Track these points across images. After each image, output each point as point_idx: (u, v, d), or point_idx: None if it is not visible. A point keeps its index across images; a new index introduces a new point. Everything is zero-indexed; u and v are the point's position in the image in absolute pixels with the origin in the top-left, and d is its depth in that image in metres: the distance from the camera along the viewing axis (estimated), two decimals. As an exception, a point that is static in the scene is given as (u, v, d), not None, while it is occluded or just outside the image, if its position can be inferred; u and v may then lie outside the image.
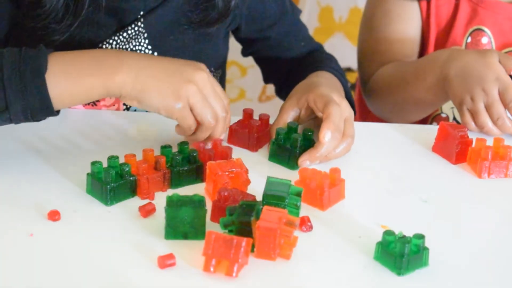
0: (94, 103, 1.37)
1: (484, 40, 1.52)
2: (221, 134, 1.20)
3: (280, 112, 1.29)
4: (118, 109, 1.39)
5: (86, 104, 1.35)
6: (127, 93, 1.14)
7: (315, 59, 1.47)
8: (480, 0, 1.54)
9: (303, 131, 1.23)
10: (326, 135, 1.20)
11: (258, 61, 1.56)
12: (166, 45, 1.37)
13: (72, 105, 1.16)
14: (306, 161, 1.21)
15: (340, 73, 1.43)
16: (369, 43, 1.60)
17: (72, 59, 1.15)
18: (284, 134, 1.23)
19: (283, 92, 1.50)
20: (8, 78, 1.11)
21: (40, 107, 1.12)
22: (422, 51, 1.59)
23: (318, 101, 1.24)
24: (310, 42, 1.53)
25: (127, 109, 1.40)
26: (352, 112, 1.27)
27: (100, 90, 1.14)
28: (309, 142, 1.23)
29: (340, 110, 1.22)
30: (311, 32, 1.71)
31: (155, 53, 1.37)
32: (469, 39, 1.54)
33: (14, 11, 1.27)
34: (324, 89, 1.27)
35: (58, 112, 1.15)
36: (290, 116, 1.27)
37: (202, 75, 1.16)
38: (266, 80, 1.57)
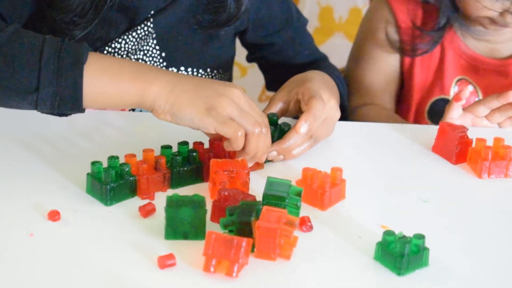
0: None
1: (470, 87, 1.56)
2: (264, 153, 1.17)
3: (269, 103, 1.27)
4: (123, 109, 1.39)
5: None
6: (160, 106, 1.12)
7: (317, 66, 1.46)
8: (462, 51, 1.60)
9: (280, 124, 1.23)
10: (302, 127, 1.19)
11: (262, 67, 1.56)
12: (174, 46, 1.37)
13: (102, 107, 1.15)
14: (273, 151, 1.20)
15: (339, 81, 1.42)
16: (356, 72, 1.66)
17: (111, 62, 1.14)
18: None
19: None
20: (47, 60, 1.09)
21: (70, 97, 1.10)
22: (409, 94, 1.65)
23: (306, 94, 1.23)
24: (315, 52, 1.53)
25: (133, 109, 1.40)
26: (338, 114, 1.26)
27: (134, 97, 1.13)
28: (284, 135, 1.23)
29: (323, 107, 1.21)
30: (311, 32, 1.70)
31: (163, 54, 1.37)
32: (456, 88, 1.61)
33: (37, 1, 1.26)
34: (315, 84, 1.26)
35: (84, 110, 1.13)
36: (278, 107, 1.26)
37: (235, 91, 1.14)
38: (269, 87, 1.57)
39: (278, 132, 1.22)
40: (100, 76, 1.12)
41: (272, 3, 1.46)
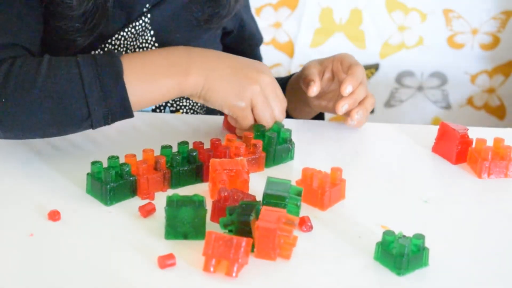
0: None
1: None
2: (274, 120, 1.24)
3: (309, 75, 1.31)
4: None
5: None
6: (197, 92, 1.19)
7: None
8: None
9: (280, 131, 1.23)
10: (347, 88, 1.25)
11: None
12: (171, 42, 1.37)
13: (148, 106, 1.20)
14: (345, 105, 1.26)
15: None
16: None
17: (143, 61, 1.19)
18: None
19: None
20: (89, 86, 1.14)
21: (120, 111, 1.16)
22: None
23: (344, 62, 1.30)
24: None
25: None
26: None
27: (175, 91, 1.19)
28: (284, 141, 1.22)
29: (363, 72, 1.28)
30: (311, 32, 1.70)
31: None
32: None
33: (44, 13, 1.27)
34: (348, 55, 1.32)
35: (133, 114, 1.18)
36: (311, 72, 1.30)
37: (266, 78, 1.21)
38: None
39: (281, 138, 1.22)
40: (139, 82, 1.17)
41: (251, 22, 1.53)
